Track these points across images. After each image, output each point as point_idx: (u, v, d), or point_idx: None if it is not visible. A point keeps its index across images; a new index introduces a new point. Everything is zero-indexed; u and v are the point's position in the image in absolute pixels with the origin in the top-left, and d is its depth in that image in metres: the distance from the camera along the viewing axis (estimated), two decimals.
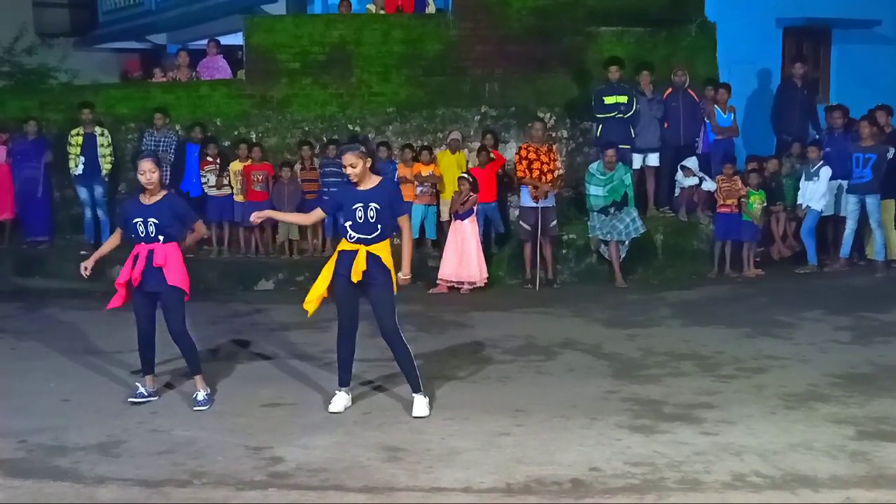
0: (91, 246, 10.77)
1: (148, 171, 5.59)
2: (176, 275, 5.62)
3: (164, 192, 5.73)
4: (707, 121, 10.44)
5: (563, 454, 4.80)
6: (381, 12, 11.59)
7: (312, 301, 5.51)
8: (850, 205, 9.90)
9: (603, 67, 10.19)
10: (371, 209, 5.36)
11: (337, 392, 5.65)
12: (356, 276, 5.35)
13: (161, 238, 5.61)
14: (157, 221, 5.59)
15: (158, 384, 5.99)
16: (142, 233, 5.61)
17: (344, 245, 5.46)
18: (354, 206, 5.39)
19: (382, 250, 5.42)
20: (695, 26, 11.15)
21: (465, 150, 10.59)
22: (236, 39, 12.21)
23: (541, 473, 4.55)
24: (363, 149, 5.62)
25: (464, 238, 9.52)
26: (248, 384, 6.21)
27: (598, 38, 10.98)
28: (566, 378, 6.32)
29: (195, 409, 5.65)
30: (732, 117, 10.54)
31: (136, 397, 5.77)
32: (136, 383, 5.87)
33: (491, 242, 10.26)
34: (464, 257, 9.50)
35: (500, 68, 10.92)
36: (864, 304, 8.36)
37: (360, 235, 5.38)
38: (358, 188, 5.45)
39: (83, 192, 10.69)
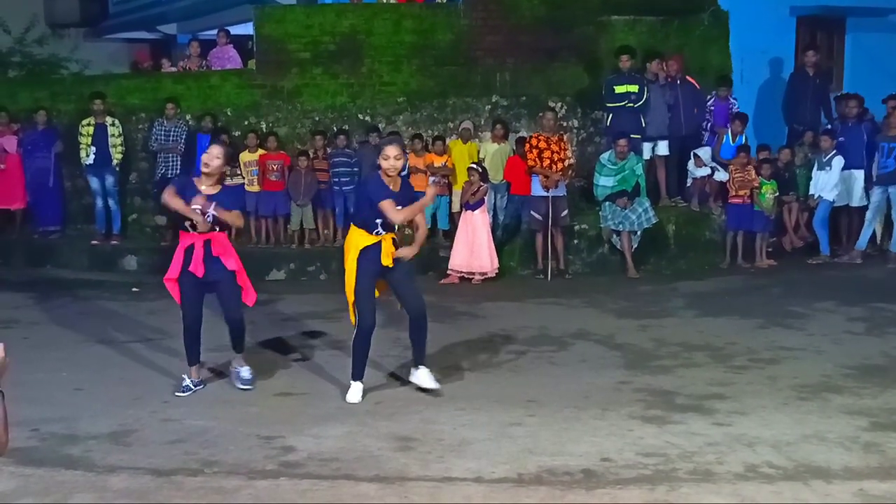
0: (102, 235, 10.83)
1: (215, 156, 5.55)
2: (234, 261, 5.67)
3: (220, 185, 5.66)
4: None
5: (574, 445, 4.79)
6: (392, 2, 11.54)
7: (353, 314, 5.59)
8: (874, 195, 9.81)
9: (614, 57, 10.13)
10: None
11: (352, 383, 5.64)
12: (388, 260, 5.47)
13: (216, 228, 5.59)
14: (214, 214, 5.53)
15: (204, 374, 5.96)
16: (200, 221, 5.54)
17: (365, 240, 5.48)
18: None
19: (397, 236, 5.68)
20: (707, 15, 11.06)
21: (477, 139, 10.56)
22: (246, 29, 12.19)
23: (552, 464, 4.54)
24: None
25: (474, 228, 9.49)
26: (260, 374, 6.20)
27: (609, 27, 10.90)
28: (578, 369, 6.30)
29: (241, 387, 5.71)
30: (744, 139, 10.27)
31: (182, 391, 5.74)
32: (183, 375, 5.84)
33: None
34: (475, 248, 9.47)
35: (511, 58, 10.87)
36: (877, 294, 8.30)
37: (386, 231, 5.53)
38: (390, 187, 5.48)
39: (94, 182, 10.71)
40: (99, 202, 10.78)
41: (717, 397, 5.55)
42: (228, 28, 12.65)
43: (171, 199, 5.52)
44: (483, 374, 6.16)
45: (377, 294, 5.61)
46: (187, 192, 5.56)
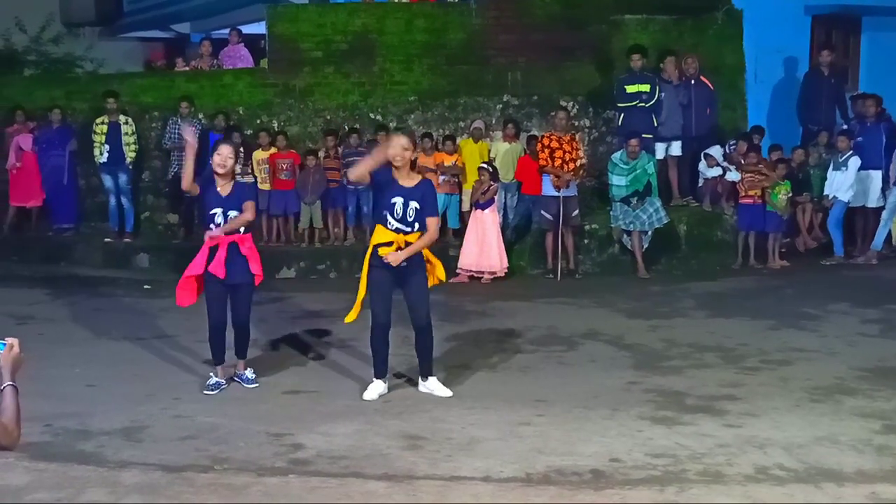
0: (115, 233, 10.90)
1: (225, 155, 5.62)
2: (257, 265, 5.73)
3: (233, 181, 5.76)
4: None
5: (583, 445, 4.78)
6: (405, 1, 11.55)
7: (355, 312, 5.62)
8: (892, 195, 9.75)
9: (626, 56, 10.10)
10: (411, 207, 5.42)
11: (374, 380, 5.66)
12: (388, 258, 5.39)
13: (240, 230, 5.65)
14: (236, 213, 5.62)
15: (227, 374, 5.94)
16: (220, 224, 5.62)
17: (381, 237, 5.47)
18: (393, 200, 5.41)
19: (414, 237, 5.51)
20: (721, 14, 11.00)
21: (488, 139, 10.55)
22: (259, 28, 12.23)
23: (561, 464, 4.53)
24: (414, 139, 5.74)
25: (484, 228, 9.48)
26: (271, 372, 6.24)
27: (623, 26, 10.87)
28: (588, 369, 6.29)
29: (248, 386, 5.80)
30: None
31: (211, 388, 5.78)
32: (210, 373, 5.89)
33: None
34: (484, 247, 9.46)
35: (523, 57, 10.85)
36: (892, 296, 8.24)
37: (399, 225, 5.45)
38: (399, 181, 5.44)
39: (108, 181, 10.77)
40: (112, 200, 10.84)
41: (727, 398, 5.52)
42: (241, 27, 12.69)
43: (189, 186, 5.64)
44: (492, 374, 6.16)
45: None
46: (208, 191, 5.65)
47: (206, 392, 5.75)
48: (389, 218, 5.45)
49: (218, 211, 5.64)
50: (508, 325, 7.50)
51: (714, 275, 9.52)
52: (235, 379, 5.92)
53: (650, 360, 6.43)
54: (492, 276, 9.49)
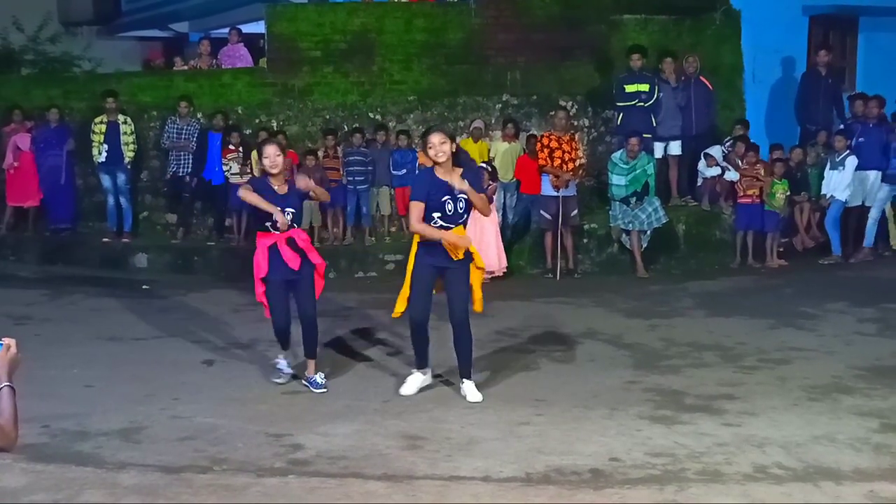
0: (113, 233, 10.89)
1: (273, 155, 5.58)
2: (316, 255, 5.74)
3: (287, 181, 5.72)
4: None
5: (583, 444, 4.79)
6: (404, 0, 11.54)
7: (401, 304, 5.57)
8: (881, 193, 9.77)
9: (625, 56, 10.11)
10: (461, 201, 5.38)
11: (414, 372, 5.68)
12: (457, 256, 5.39)
13: (295, 225, 5.70)
14: (294, 211, 5.65)
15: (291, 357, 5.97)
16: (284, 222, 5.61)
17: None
18: (444, 199, 5.35)
19: (463, 231, 5.53)
20: (720, 14, 11.03)
21: (488, 139, 10.55)
22: (258, 28, 12.23)
23: (560, 463, 4.53)
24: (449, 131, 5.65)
25: (483, 227, 9.46)
26: (270, 372, 6.24)
27: (622, 26, 10.89)
28: (587, 368, 6.30)
29: (317, 391, 5.71)
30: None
31: (282, 374, 5.81)
32: (277, 359, 5.88)
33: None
34: (483, 246, 9.41)
35: (522, 57, 10.85)
36: (889, 295, 8.25)
37: (447, 225, 5.42)
38: (442, 178, 5.35)
39: (106, 180, 10.76)
40: (111, 200, 10.83)
41: (726, 398, 5.53)
42: (240, 26, 12.69)
43: (247, 193, 5.55)
44: (491, 373, 6.15)
45: (434, 292, 5.57)
46: (265, 195, 5.58)
47: (275, 381, 5.79)
48: (436, 217, 5.37)
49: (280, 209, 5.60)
50: (507, 324, 7.50)
51: (712, 274, 9.54)
52: (304, 384, 5.81)
53: (649, 360, 6.44)
54: (490, 276, 9.48)
